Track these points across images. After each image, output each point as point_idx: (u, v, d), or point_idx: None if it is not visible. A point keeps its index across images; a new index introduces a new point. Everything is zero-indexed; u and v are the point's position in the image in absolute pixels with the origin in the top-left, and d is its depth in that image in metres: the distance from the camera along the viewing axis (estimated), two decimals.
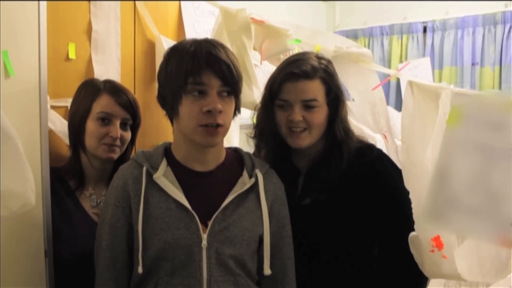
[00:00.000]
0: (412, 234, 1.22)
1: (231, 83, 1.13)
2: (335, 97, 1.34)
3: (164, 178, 1.15)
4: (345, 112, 1.38)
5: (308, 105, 1.30)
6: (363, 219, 1.31)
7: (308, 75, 1.29)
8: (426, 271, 1.24)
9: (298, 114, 1.29)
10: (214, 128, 1.12)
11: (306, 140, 1.31)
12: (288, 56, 1.48)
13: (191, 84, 1.10)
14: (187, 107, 1.11)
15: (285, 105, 1.31)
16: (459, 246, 1.19)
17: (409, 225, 1.23)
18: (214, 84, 1.11)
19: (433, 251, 1.18)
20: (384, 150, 1.45)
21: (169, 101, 1.16)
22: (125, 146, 1.46)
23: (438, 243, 1.17)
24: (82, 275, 1.26)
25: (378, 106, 1.54)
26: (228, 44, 1.62)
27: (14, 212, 1.07)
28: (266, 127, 1.38)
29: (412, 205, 1.23)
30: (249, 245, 1.17)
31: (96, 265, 1.18)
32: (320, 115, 1.31)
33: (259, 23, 1.61)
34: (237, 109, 1.20)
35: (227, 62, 1.11)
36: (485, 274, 1.20)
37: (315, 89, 1.30)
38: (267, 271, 1.18)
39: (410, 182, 1.23)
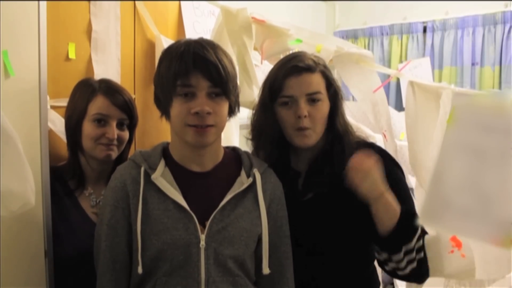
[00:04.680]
0: (428, 236, 1.21)
1: (220, 83, 1.12)
2: (335, 92, 1.34)
3: (162, 179, 1.15)
4: (343, 107, 1.38)
5: (312, 99, 1.29)
6: (364, 214, 1.31)
7: (310, 68, 1.30)
8: (449, 271, 1.23)
9: (304, 109, 1.27)
10: (203, 128, 1.11)
11: (312, 138, 1.30)
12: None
13: (179, 86, 1.10)
14: (177, 109, 1.11)
15: (290, 101, 1.29)
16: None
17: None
18: (202, 85, 1.10)
19: (452, 251, 1.18)
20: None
21: (162, 103, 1.16)
22: (123, 146, 1.46)
23: (457, 243, 1.17)
24: (80, 275, 1.26)
25: (379, 106, 1.55)
26: (228, 44, 1.63)
27: (14, 212, 1.07)
28: (266, 128, 1.35)
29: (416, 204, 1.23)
30: (248, 245, 1.17)
31: (96, 266, 1.17)
32: (323, 110, 1.31)
33: (260, 22, 1.61)
34: (232, 109, 1.19)
35: (215, 62, 1.10)
36: (491, 272, 1.20)
37: (318, 82, 1.31)
38: (265, 270, 1.18)
39: (422, 181, 1.23)
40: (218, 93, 1.12)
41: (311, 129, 1.29)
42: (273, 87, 1.32)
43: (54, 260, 1.26)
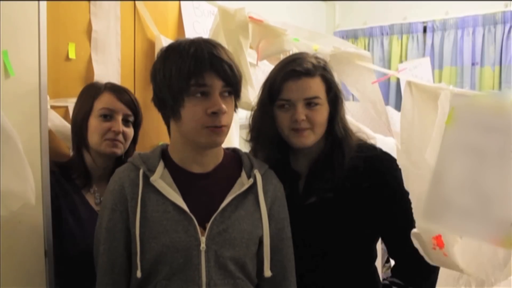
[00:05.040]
0: (413, 231, 1.21)
1: (233, 83, 1.12)
2: (335, 95, 1.33)
3: (161, 181, 1.14)
4: (344, 110, 1.38)
5: (310, 103, 1.28)
6: (368, 217, 1.31)
7: (309, 73, 1.28)
8: (433, 261, 1.23)
9: (301, 113, 1.27)
10: (219, 128, 1.10)
11: (310, 138, 1.29)
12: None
13: (193, 86, 1.08)
14: (191, 110, 1.09)
15: (288, 104, 1.29)
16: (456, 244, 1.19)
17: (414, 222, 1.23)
18: (216, 85, 1.09)
19: (434, 248, 1.18)
20: (384, 149, 1.44)
21: (169, 104, 1.12)
22: (128, 143, 1.47)
23: (439, 242, 1.17)
24: (90, 271, 1.26)
25: (378, 105, 1.55)
26: (224, 44, 1.63)
27: (14, 212, 1.07)
28: (265, 129, 1.35)
29: (412, 205, 1.23)
30: (249, 247, 1.16)
31: (96, 269, 1.17)
32: (322, 113, 1.30)
33: (258, 22, 1.61)
34: (235, 108, 1.20)
35: (229, 62, 1.11)
36: (486, 271, 1.20)
37: (317, 87, 1.30)
38: (267, 272, 1.16)
39: (410, 182, 1.23)
40: (229, 92, 1.13)
41: (310, 130, 1.29)
42: (272, 89, 1.31)
43: (64, 256, 1.28)
